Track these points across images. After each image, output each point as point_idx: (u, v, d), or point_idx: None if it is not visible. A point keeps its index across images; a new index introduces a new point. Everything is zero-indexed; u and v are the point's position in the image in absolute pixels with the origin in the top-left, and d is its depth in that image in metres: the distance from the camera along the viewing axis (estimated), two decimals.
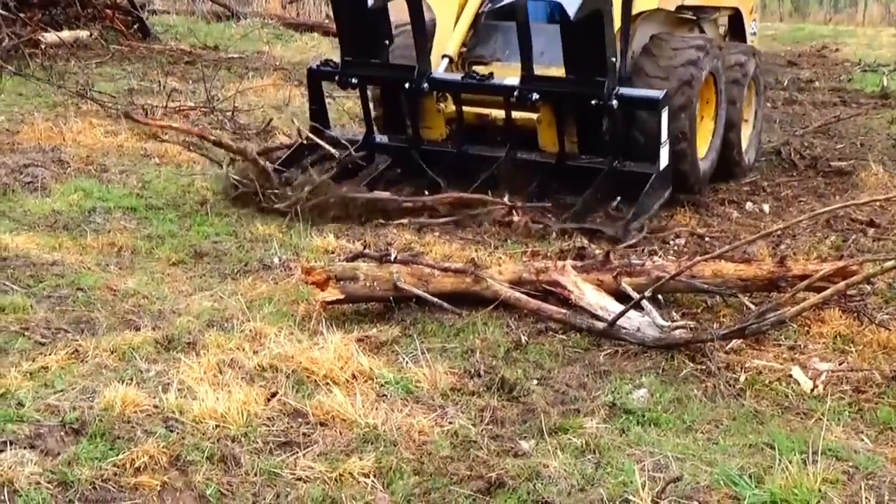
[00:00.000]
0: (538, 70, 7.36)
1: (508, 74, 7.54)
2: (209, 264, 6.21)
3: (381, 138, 8.09)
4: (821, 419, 4.50)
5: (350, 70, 7.73)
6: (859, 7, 24.26)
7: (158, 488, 3.77)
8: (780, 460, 4.03)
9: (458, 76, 7.63)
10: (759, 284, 5.72)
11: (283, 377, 4.63)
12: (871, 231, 7.27)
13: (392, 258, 5.62)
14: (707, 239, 7.12)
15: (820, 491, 3.85)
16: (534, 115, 7.61)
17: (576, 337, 5.30)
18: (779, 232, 6.76)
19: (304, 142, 7.92)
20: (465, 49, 8.10)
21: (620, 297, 5.50)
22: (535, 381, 4.81)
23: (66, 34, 12.31)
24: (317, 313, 5.37)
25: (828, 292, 5.18)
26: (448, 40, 7.97)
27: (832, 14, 24.55)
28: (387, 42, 7.62)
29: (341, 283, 5.38)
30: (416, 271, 5.61)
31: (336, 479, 3.90)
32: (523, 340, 5.22)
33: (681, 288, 5.70)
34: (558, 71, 7.41)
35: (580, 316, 5.38)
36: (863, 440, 4.38)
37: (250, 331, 5.11)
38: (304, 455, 4.05)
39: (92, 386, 4.42)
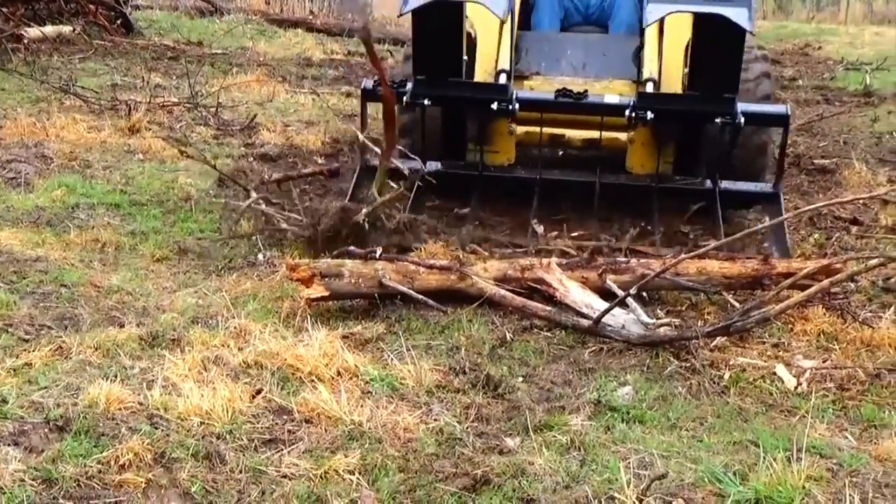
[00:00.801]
0: (593, 85, 7.06)
1: (547, 87, 7.14)
2: (193, 261, 6.19)
3: (433, 164, 7.10)
4: (805, 416, 4.51)
5: (425, 90, 6.78)
6: (842, 5, 24.31)
7: (143, 486, 3.75)
8: (764, 458, 4.04)
9: (549, 95, 6.90)
10: (743, 282, 5.72)
11: (267, 374, 4.62)
12: (854, 229, 7.29)
13: (377, 255, 5.62)
14: (692, 236, 7.10)
15: (804, 488, 3.85)
16: (622, 135, 7.14)
17: (561, 334, 5.30)
18: (763, 230, 6.76)
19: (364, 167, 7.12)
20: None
21: (606, 294, 5.51)
22: (521, 379, 4.81)
23: (49, 29, 12.28)
24: (301, 310, 5.36)
25: (812, 290, 5.21)
26: (493, 55, 7.23)
27: (815, 12, 24.60)
28: (465, 58, 6.90)
29: (326, 279, 5.37)
30: (402, 268, 5.59)
31: (321, 477, 3.89)
32: (508, 338, 5.22)
33: (665, 285, 5.69)
34: (621, 85, 7.23)
35: (565, 313, 5.37)
36: (847, 437, 4.39)
37: (235, 328, 5.09)
38: (289, 452, 4.05)
39: (76, 383, 4.40)
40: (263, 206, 6.67)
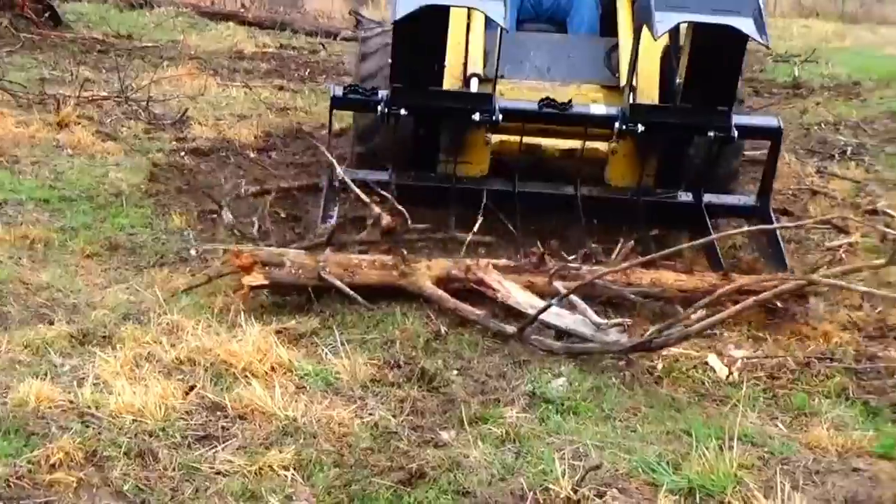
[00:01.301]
0: (562, 90, 6.71)
1: (517, 93, 6.82)
2: (124, 256, 6.11)
3: (403, 176, 6.63)
4: (736, 406, 4.57)
5: (402, 100, 6.26)
6: None
7: (74, 485, 3.71)
8: (696, 447, 4.09)
9: (532, 105, 6.43)
10: (699, 296, 5.31)
11: (201, 370, 4.59)
12: (783, 219, 7.36)
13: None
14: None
15: (736, 476, 3.91)
16: (602, 146, 6.70)
17: None
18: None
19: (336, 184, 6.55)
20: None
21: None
22: (455, 372, 4.82)
23: None
24: (235, 305, 5.32)
25: (733, 310, 4.98)
26: (460, 57, 6.79)
27: None
28: (443, 66, 6.41)
29: (267, 268, 5.35)
30: (344, 261, 5.55)
31: (256, 473, 3.87)
32: (443, 331, 5.22)
33: (611, 293, 5.57)
34: (590, 90, 6.93)
35: (493, 319, 5.28)
36: (777, 426, 4.45)
37: (167, 324, 5.05)
38: (223, 449, 4.02)
39: (5, 381, 4.35)
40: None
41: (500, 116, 6.29)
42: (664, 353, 5.08)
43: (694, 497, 3.85)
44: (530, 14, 7.77)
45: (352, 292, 5.40)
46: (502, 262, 5.72)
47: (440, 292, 5.45)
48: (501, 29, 6.11)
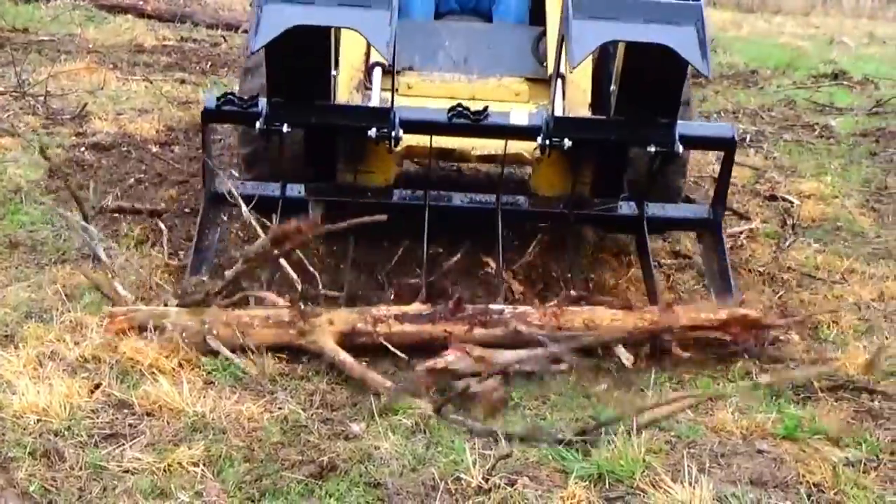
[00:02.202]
0: (482, 84, 6.08)
1: (437, 87, 6.09)
2: (25, 254, 5.98)
3: (294, 189, 5.78)
4: (643, 392, 4.64)
5: (283, 115, 5.36)
6: None
7: None
8: (605, 433, 4.14)
9: (441, 115, 5.48)
10: (641, 336, 4.99)
11: (106, 368, 4.53)
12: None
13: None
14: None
15: (644, 461, 3.98)
16: (527, 146, 5.73)
17: None
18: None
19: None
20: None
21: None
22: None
23: None
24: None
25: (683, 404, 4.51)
26: (361, 45, 5.96)
27: None
28: (334, 75, 5.56)
29: (145, 334, 4.78)
30: (233, 320, 4.84)
31: (165, 470, 3.84)
32: None
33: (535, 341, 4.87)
34: (513, 83, 6.13)
35: (404, 393, 4.57)
36: (684, 411, 4.51)
37: (70, 321, 4.98)
38: (130, 446, 3.98)
39: None
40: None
41: (401, 132, 5.43)
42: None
43: (603, 482, 3.90)
44: (452, 7, 6.96)
45: (239, 360, 4.73)
46: (413, 308, 5.03)
47: (343, 356, 4.74)
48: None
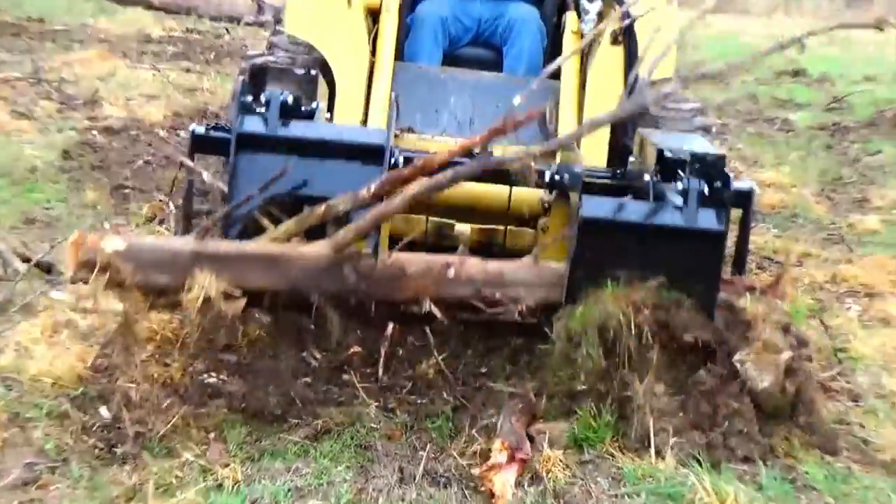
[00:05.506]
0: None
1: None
2: (41, 230, 6.00)
3: None
4: None
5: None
6: None
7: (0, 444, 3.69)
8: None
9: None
10: None
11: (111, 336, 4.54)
12: None
13: None
14: None
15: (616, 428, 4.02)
16: (528, 230, 4.88)
17: None
18: None
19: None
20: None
21: None
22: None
23: None
24: None
25: None
26: (359, 104, 5.13)
27: None
28: (317, 104, 4.44)
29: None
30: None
31: (171, 431, 3.86)
32: None
33: None
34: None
35: None
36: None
37: (84, 292, 4.99)
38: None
39: None
40: None
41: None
42: None
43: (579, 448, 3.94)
44: (465, 40, 5.92)
45: None
46: None
47: None
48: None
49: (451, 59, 5.81)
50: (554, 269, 4.05)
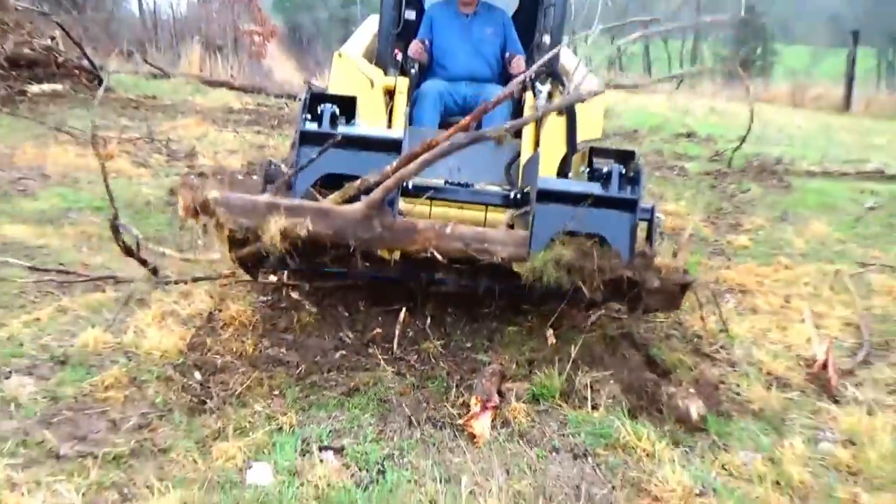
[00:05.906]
0: (460, 214, 4.57)
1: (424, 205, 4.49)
2: (153, 247, 5.93)
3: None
4: None
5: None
6: None
7: (122, 399, 3.65)
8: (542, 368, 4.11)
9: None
10: None
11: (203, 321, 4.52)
12: None
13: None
14: None
15: (566, 385, 3.96)
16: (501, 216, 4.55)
17: None
18: None
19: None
20: None
21: None
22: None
23: (46, 86, 11.61)
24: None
25: None
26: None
27: None
28: None
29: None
30: None
31: (246, 389, 3.82)
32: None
33: None
34: (499, 211, 4.61)
35: None
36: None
37: (182, 291, 4.93)
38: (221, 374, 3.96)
39: (72, 330, 4.24)
40: None
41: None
42: None
43: (536, 401, 3.89)
44: (455, 112, 5.63)
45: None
46: None
47: None
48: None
49: (446, 124, 5.53)
50: (521, 234, 3.99)
